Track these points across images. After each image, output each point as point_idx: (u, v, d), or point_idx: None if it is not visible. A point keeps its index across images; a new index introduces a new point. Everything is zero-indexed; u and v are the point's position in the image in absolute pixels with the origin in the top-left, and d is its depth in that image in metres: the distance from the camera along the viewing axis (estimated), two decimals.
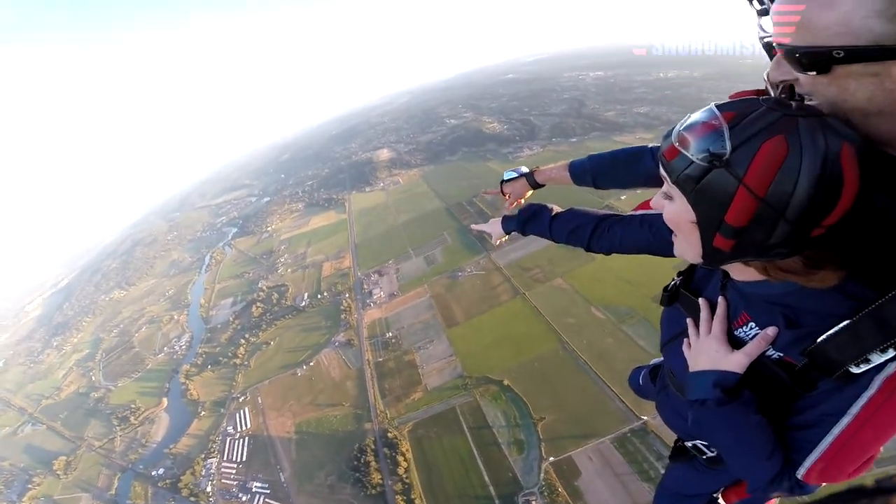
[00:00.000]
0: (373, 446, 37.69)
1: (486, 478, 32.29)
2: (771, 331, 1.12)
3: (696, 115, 1.02)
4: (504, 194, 2.65)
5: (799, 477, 1.12)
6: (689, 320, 1.41)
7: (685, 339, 1.40)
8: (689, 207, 1.04)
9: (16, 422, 64.41)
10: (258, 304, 68.81)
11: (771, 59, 1.20)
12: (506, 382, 38.60)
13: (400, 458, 35.49)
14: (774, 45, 0.99)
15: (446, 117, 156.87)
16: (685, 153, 0.99)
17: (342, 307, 58.69)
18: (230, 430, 46.32)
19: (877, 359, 0.93)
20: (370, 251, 73.54)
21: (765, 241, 0.97)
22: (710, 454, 1.58)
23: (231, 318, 68.39)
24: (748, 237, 0.98)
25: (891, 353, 0.92)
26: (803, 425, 1.11)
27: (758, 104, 0.95)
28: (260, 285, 75.67)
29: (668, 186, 1.08)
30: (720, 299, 1.30)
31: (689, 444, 1.66)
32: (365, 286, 62.34)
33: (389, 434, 37.92)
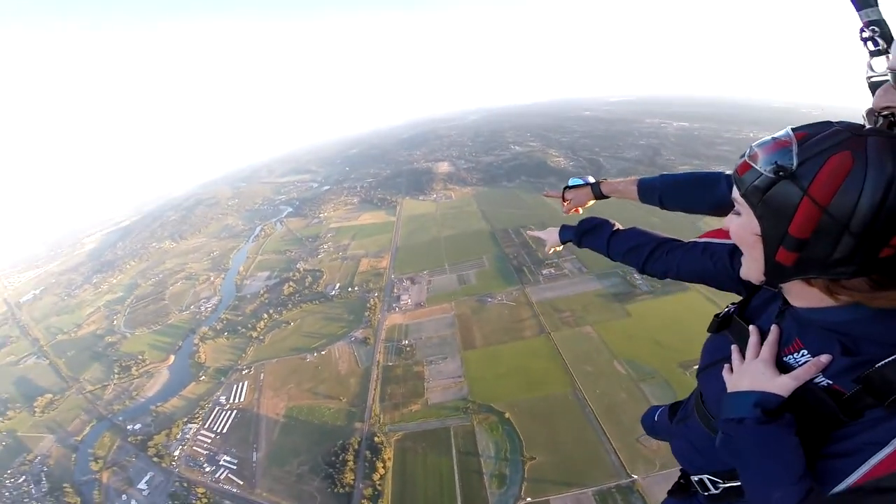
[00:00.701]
0: (356, 446, 37.15)
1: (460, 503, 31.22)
2: (825, 357, 1.12)
3: (768, 137, 1.07)
4: (564, 200, 2.66)
5: None
6: (734, 346, 1.41)
7: (726, 365, 1.39)
8: (755, 220, 1.08)
9: (24, 352, 68.33)
10: (291, 283, 70.97)
11: (873, 95, 1.30)
12: (507, 415, 37.39)
13: (379, 465, 34.74)
14: (889, 70, 1.05)
15: (512, 143, 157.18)
16: (755, 167, 1.05)
17: (368, 305, 59.17)
18: (222, 399, 46.98)
19: None
20: (408, 257, 74.20)
21: (829, 255, 0.98)
22: (713, 491, 1.55)
23: (262, 291, 70.78)
24: (812, 250, 1.01)
25: None
26: (840, 454, 1.05)
27: (830, 125, 1.01)
28: (298, 266, 78.22)
29: (737, 201, 1.13)
30: (773, 326, 1.29)
31: (695, 478, 1.62)
32: (395, 290, 62.83)
33: (377, 438, 37.28)
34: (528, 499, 30.50)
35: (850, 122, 1.01)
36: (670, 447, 1.86)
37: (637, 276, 53.56)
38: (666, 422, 2.02)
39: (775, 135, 1.05)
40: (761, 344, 1.30)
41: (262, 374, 49.65)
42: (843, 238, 0.94)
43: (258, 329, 58.96)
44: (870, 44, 1.35)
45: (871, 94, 1.36)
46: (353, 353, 50.08)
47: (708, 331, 1.66)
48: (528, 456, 33.52)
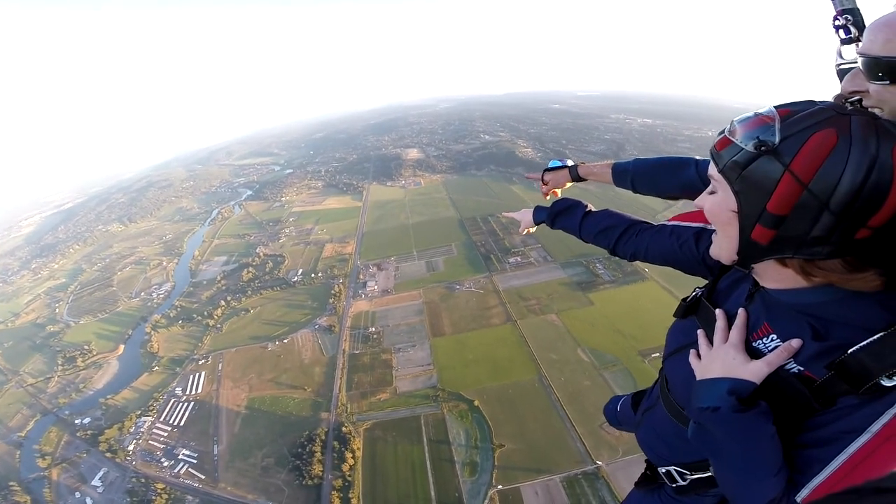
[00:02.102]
0: (323, 437, 36.46)
1: (433, 492, 31.27)
2: (795, 342, 1.09)
3: (749, 114, 1.05)
4: (544, 182, 2.69)
5: (798, 500, 1.04)
6: (699, 331, 1.36)
7: (693, 350, 1.34)
8: (732, 196, 1.06)
9: None
10: (250, 268, 68.49)
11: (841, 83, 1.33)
12: (476, 403, 37.79)
13: (348, 455, 34.25)
14: (858, 55, 1.06)
15: (482, 132, 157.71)
16: (735, 141, 1.03)
17: (333, 291, 57.94)
18: (178, 391, 44.94)
19: None
20: (375, 243, 73.26)
21: (806, 233, 0.97)
22: (681, 483, 1.53)
23: (219, 277, 67.86)
24: (789, 228, 0.99)
25: None
26: (815, 443, 1.03)
27: (813, 104, 1.00)
28: (258, 250, 75.52)
29: (714, 178, 1.11)
30: (741, 310, 1.26)
31: (662, 469, 1.59)
32: (361, 276, 61.85)
33: (344, 428, 36.74)
34: (500, 486, 31.05)
35: (832, 102, 1.00)
36: (636, 438, 1.81)
37: (599, 265, 55.38)
38: (629, 412, 1.99)
39: (758, 111, 1.04)
40: (729, 328, 1.26)
41: (221, 364, 47.79)
42: (822, 216, 0.93)
43: (215, 317, 56.65)
44: (842, 32, 1.37)
45: (839, 82, 1.40)
46: (318, 341, 49.04)
47: (674, 315, 1.61)
48: (497, 443, 34.05)
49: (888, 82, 1.02)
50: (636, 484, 1.83)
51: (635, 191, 2.31)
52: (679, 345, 1.49)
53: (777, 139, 0.96)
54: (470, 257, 64.40)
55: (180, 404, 43.26)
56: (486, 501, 30.21)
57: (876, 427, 0.93)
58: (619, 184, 2.40)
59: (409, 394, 40.20)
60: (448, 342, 46.18)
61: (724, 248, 1.16)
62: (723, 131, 1.09)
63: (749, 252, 1.09)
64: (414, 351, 45.52)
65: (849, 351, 0.96)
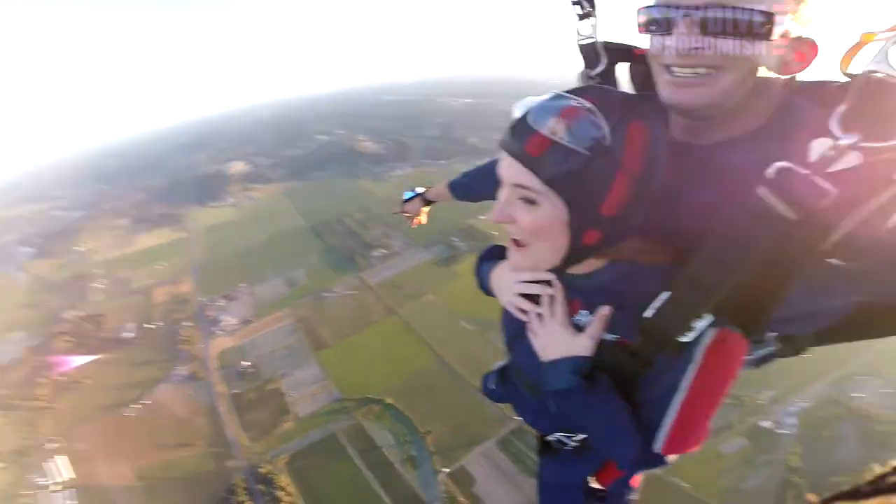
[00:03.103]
0: (244, 485, 34.49)
1: (386, 499, 32.29)
2: (605, 309, 1.16)
3: (553, 103, 0.98)
4: (405, 213, 2.90)
5: (657, 451, 1.15)
6: (531, 314, 1.35)
7: (531, 332, 1.39)
8: (563, 207, 0.98)
9: None
10: (66, 336, 58.30)
11: (585, 62, 1.47)
12: (388, 401, 39.22)
13: (281, 494, 33.10)
14: (710, 8, 0.95)
15: (317, 133, 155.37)
16: (563, 143, 0.93)
17: (181, 337, 53.08)
18: (40, 481, 38.11)
19: (699, 325, 0.98)
20: (217, 274, 67.85)
21: (630, 224, 1.01)
22: (573, 444, 1.61)
23: (24, 355, 56.20)
24: (617, 225, 1.01)
25: (708, 319, 0.97)
26: (649, 402, 1.15)
27: (606, 91, 1.01)
28: (65, 315, 63.71)
29: (534, 190, 1.00)
30: (555, 283, 1.30)
31: (551, 438, 1.69)
32: (210, 313, 57.80)
33: (262, 469, 35.14)
34: (445, 469, 33.19)
35: (596, 85, 1.12)
36: (517, 415, 1.88)
37: (455, 239, 61.48)
38: (502, 390, 1.98)
39: (560, 102, 0.97)
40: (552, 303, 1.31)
41: (80, 443, 41.23)
42: (641, 205, 0.98)
43: (41, 397, 47.73)
44: (577, 7, 1.44)
45: (581, 58, 1.50)
46: (185, 392, 45.57)
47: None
48: (423, 431, 36.11)
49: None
50: (538, 453, 1.91)
51: (472, 200, 2.43)
52: (516, 329, 1.48)
53: (607, 134, 0.92)
54: (333, 262, 64.87)
55: (56, 496, 37.04)
56: (441, 487, 32.29)
57: (685, 384, 1.05)
58: (458, 198, 2.55)
59: (314, 414, 40.05)
60: (335, 352, 46.70)
61: (545, 258, 1.13)
62: (530, 129, 0.97)
63: (575, 256, 1.10)
64: (301, 371, 45.08)
65: (646, 316, 1.03)
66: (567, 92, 1.00)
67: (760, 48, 0.95)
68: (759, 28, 0.93)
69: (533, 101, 1.02)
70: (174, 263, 74.26)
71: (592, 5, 1.42)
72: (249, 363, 47.47)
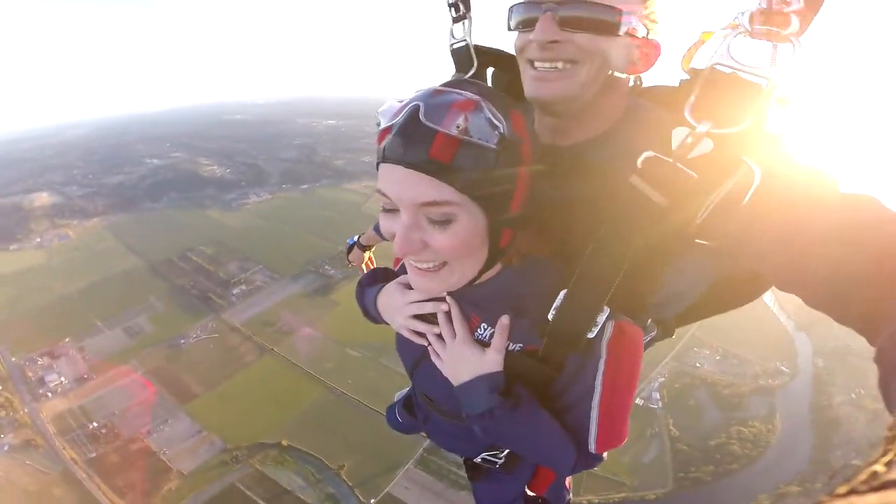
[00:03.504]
0: None
1: None
2: (505, 319, 1.12)
3: (440, 98, 0.88)
4: (351, 264, 2.90)
5: (592, 451, 1.17)
6: (430, 336, 1.27)
7: (434, 356, 1.30)
8: (481, 214, 0.92)
9: None
10: None
11: (457, 65, 1.54)
12: (284, 443, 37.56)
13: None
14: (545, 2, 1.06)
15: (147, 156, 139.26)
16: (471, 140, 0.85)
17: None
18: None
19: (601, 318, 1.02)
20: (27, 330, 57.57)
21: (529, 217, 1.02)
22: (500, 461, 1.56)
23: None
24: (521, 221, 1.01)
25: (606, 311, 1.02)
26: (568, 405, 1.16)
27: (477, 84, 0.97)
28: None
29: (451, 202, 0.89)
30: (450, 300, 1.23)
31: (477, 460, 1.61)
32: (29, 374, 50.80)
33: None
34: (373, 500, 32.99)
35: (461, 77, 1.16)
36: (434, 443, 1.79)
37: (328, 267, 60.52)
38: (411, 420, 1.86)
39: (450, 97, 0.88)
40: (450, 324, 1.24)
41: None
42: (533, 194, 0.98)
43: None
44: (453, 10, 1.48)
45: (454, 61, 1.54)
46: (25, 463, 40.01)
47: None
48: (336, 466, 35.34)
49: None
50: (469, 478, 1.87)
51: None
52: (417, 355, 1.39)
53: (504, 127, 0.87)
54: (183, 304, 59.36)
55: None
56: None
57: (599, 381, 1.07)
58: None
59: (201, 469, 37.28)
60: (208, 400, 43.86)
61: (466, 273, 1.04)
62: (430, 130, 0.84)
63: (493, 262, 1.05)
64: (171, 426, 41.89)
65: (549, 316, 1.04)
66: (444, 84, 0.96)
67: (610, 44, 1.06)
68: (608, 24, 1.04)
69: (396, 104, 0.94)
70: None
71: (468, 7, 1.48)
72: (99, 424, 43.08)
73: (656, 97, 1.22)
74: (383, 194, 0.95)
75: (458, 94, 0.89)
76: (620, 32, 1.05)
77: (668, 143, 0.94)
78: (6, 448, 42.17)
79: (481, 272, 1.06)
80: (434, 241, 0.93)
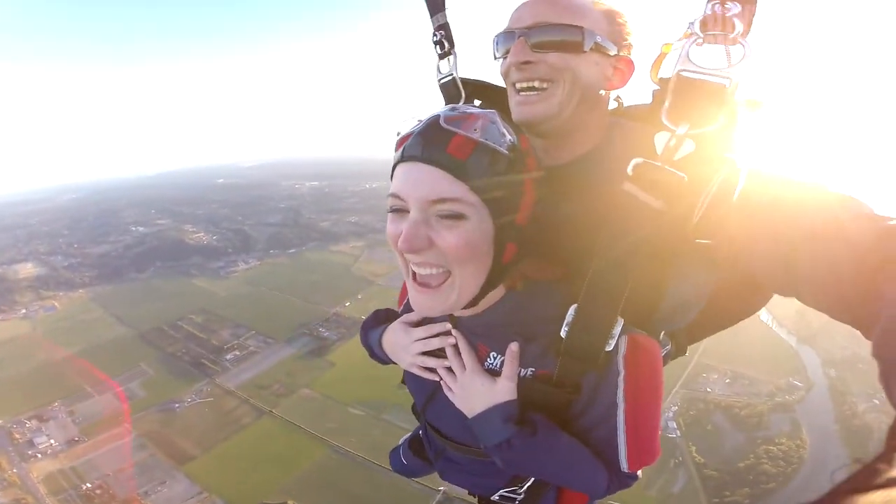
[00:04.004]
0: None
1: None
2: (514, 345, 1.14)
3: (456, 110, 1.00)
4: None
5: (625, 469, 1.17)
6: (441, 370, 1.29)
7: (447, 389, 1.31)
8: (489, 219, 0.97)
9: None
10: None
11: (446, 98, 1.70)
12: (290, 503, 38.74)
13: None
14: (539, 27, 1.18)
15: (133, 224, 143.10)
16: (486, 142, 0.93)
17: None
18: None
19: (616, 330, 1.05)
20: (15, 394, 59.30)
21: (534, 233, 1.06)
22: (520, 497, 1.50)
23: None
24: (526, 236, 1.04)
25: (620, 323, 1.06)
26: (590, 426, 1.16)
27: (473, 107, 1.07)
28: None
29: (462, 200, 0.94)
30: (456, 333, 1.26)
31: (495, 497, 1.55)
32: (17, 435, 51.84)
33: None
34: None
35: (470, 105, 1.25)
36: (448, 482, 1.72)
37: (322, 329, 64.29)
38: (417, 461, 1.83)
39: (465, 109, 1.01)
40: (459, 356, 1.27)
41: None
42: (536, 212, 1.03)
43: None
44: (438, 47, 1.62)
45: (443, 95, 1.68)
46: None
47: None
48: None
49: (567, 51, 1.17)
50: None
51: None
52: (429, 391, 1.42)
53: (516, 138, 0.98)
54: (175, 370, 61.76)
55: None
56: None
57: (621, 397, 1.08)
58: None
59: None
60: (206, 462, 45.23)
61: (468, 289, 1.05)
62: (448, 132, 0.94)
63: (496, 279, 1.07)
64: (168, 487, 43.07)
65: (562, 334, 1.06)
66: (452, 107, 1.03)
67: (578, 60, 1.17)
68: (573, 43, 1.15)
69: (416, 119, 1.03)
70: None
71: (452, 44, 1.62)
72: (93, 485, 43.99)
73: (634, 115, 1.39)
74: (396, 196, 1.01)
75: (474, 107, 1.03)
76: (585, 49, 1.16)
77: (653, 150, 1.01)
78: None
79: (483, 291, 1.07)
80: (441, 238, 0.97)
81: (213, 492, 42.26)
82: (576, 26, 1.15)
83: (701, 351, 52.23)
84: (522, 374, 1.16)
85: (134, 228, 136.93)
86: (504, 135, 0.98)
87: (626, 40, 1.23)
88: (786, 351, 53.06)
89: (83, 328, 77.16)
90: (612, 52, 1.20)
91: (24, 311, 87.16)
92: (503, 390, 1.14)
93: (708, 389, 48.97)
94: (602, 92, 1.25)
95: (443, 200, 0.94)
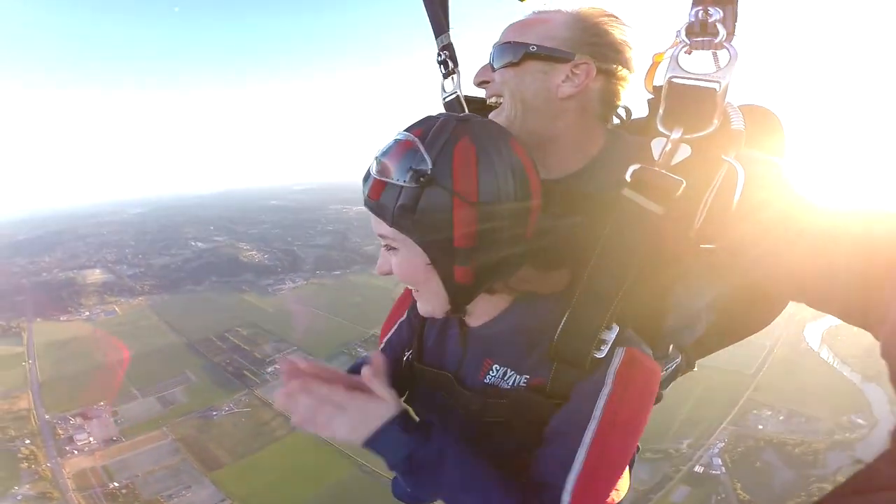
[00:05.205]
0: None
1: None
2: (377, 358, 1.14)
3: (387, 144, 1.04)
4: None
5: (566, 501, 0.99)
6: (315, 399, 1.09)
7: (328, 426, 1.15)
8: (418, 248, 1.02)
9: None
10: None
11: None
12: None
13: None
14: (493, 48, 1.29)
15: (193, 239, 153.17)
16: (390, 181, 0.98)
17: (21, 455, 49.92)
18: None
19: (608, 336, 1.05)
20: (65, 391, 64.03)
21: (498, 252, 1.03)
22: None
23: None
24: (483, 256, 1.02)
25: (615, 329, 1.06)
26: (554, 434, 1.08)
27: (435, 118, 1.03)
28: None
29: (387, 237, 1.06)
30: (290, 359, 1.17)
31: None
32: (60, 431, 55.13)
33: None
34: None
35: (447, 113, 1.16)
36: None
37: (360, 347, 66.07)
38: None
39: (391, 142, 1.04)
40: (478, 373, 1.25)
41: None
42: (502, 231, 1.00)
43: None
44: (442, 67, 1.71)
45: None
46: None
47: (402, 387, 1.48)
48: None
49: (510, 63, 1.24)
50: None
51: None
52: (435, 410, 1.38)
53: (429, 163, 0.95)
54: (218, 380, 64.84)
55: None
56: None
57: (598, 411, 1.02)
58: None
59: None
60: (234, 471, 46.82)
61: (433, 303, 1.14)
62: (368, 175, 1.05)
63: (461, 297, 1.11)
64: (193, 492, 44.65)
65: (555, 337, 1.07)
66: (409, 126, 1.06)
67: (515, 72, 1.24)
68: (511, 58, 1.24)
69: (383, 146, 1.07)
70: (8, 378, 67.68)
71: (456, 63, 1.71)
72: (120, 484, 46.14)
73: (633, 128, 1.41)
74: None
75: (399, 138, 1.02)
76: (515, 60, 1.22)
77: (651, 158, 1.03)
78: (20, 498, 45.55)
79: (456, 305, 1.12)
80: (389, 266, 1.11)
81: (235, 500, 43.57)
82: (513, 42, 1.24)
83: (753, 387, 50.35)
84: (517, 380, 1.17)
85: (193, 243, 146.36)
86: (412, 163, 0.96)
87: (591, 44, 1.23)
88: (849, 389, 50.06)
89: (138, 333, 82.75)
90: (563, 57, 1.21)
91: (87, 313, 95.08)
92: (383, 406, 1.07)
93: (760, 427, 46.75)
94: (561, 100, 1.24)
95: (382, 237, 1.08)
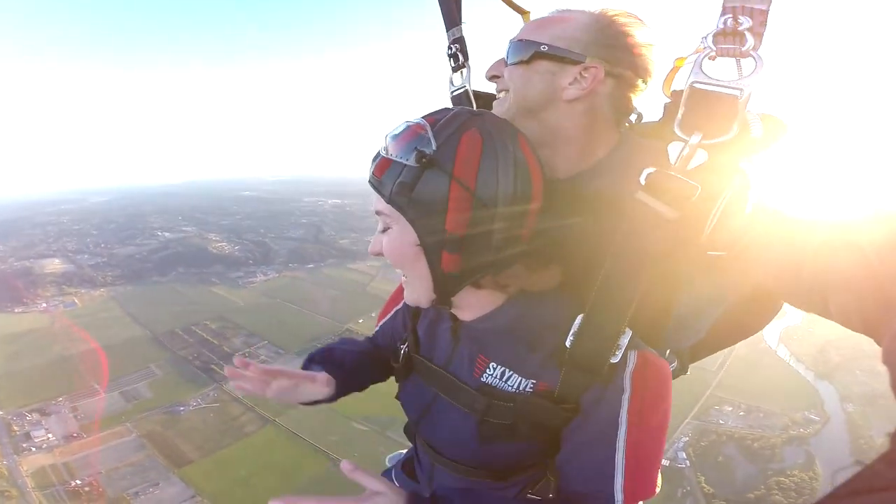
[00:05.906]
0: None
1: None
2: (346, 463, 1.06)
3: (399, 126, 1.09)
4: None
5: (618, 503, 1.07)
6: None
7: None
8: (409, 226, 1.05)
9: None
10: None
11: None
12: None
13: None
14: (509, 43, 1.32)
15: (159, 229, 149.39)
16: (395, 160, 1.03)
17: None
18: None
19: (623, 341, 1.06)
20: (20, 386, 61.78)
21: (489, 246, 1.05)
22: None
23: None
24: (473, 246, 1.05)
25: (628, 334, 1.07)
26: (587, 445, 1.11)
27: (451, 110, 1.09)
28: None
29: (384, 213, 1.09)
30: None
31: None
32: (15, 428, 53.67)
33: None
34: None
35: (462, 107, 1.16)
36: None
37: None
38: (411, 484, 1.73)
39: (404, 125, 1.07)
40: (449, 372, 1.31)
41: None
42: (496, 221, 1.02)
43: None
44: (452, 60, 1.73)
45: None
46: None
47: (396, 380, 1.56)
48: None
49: (520, 62, 1.25)
50: None
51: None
52: (424, 404, 1.42)
53: (434, 146, 0.99)
54: (184, 374, 63.55)
55: None
56: None
57: (623, 415, 1.05)
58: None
59: None
60: (203, 467, 46.13)
61: (418, 289, 1.16)
62: (378, 154, 1.10)
63: (446, 286, 1.12)
64: (160, 489, 43.98)
65: (567, 343, 1.07)
66: (425, 115, 1.10)
67: (523, 70, 1.26)
68: (520, 56, 1.26)
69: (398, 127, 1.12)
70: None
71: (466, 57, 1.73)
72: (82, 481, 45.15)
73: (643, 132, 1.40)
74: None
75: (411, 122, 1.07)
76: (525, 59, 1.24)
77: (664, 162, 1.03)
78: None
79: (443, 295, 1.15)
80: (381, 245, 1.15)
81: (205, 496, 42.95)
82: (526, 40, 1.26)
83: (715, 384, 52.83)
84: (523, 385, 1.16)
85: (160, 233, 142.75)
86: (418, 144, 1.01)
87: (606, 46, 1.23)
88: (803, 386, 53.84)
89: (99, 325, 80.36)
90: (573, 59, 1.21)
91: (44, 304, 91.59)
92: (390, 496, 1.04)
93: (721, 421, 49.63)
94: (567, 101, 1.25)
95: (377, 213, 1.11)
